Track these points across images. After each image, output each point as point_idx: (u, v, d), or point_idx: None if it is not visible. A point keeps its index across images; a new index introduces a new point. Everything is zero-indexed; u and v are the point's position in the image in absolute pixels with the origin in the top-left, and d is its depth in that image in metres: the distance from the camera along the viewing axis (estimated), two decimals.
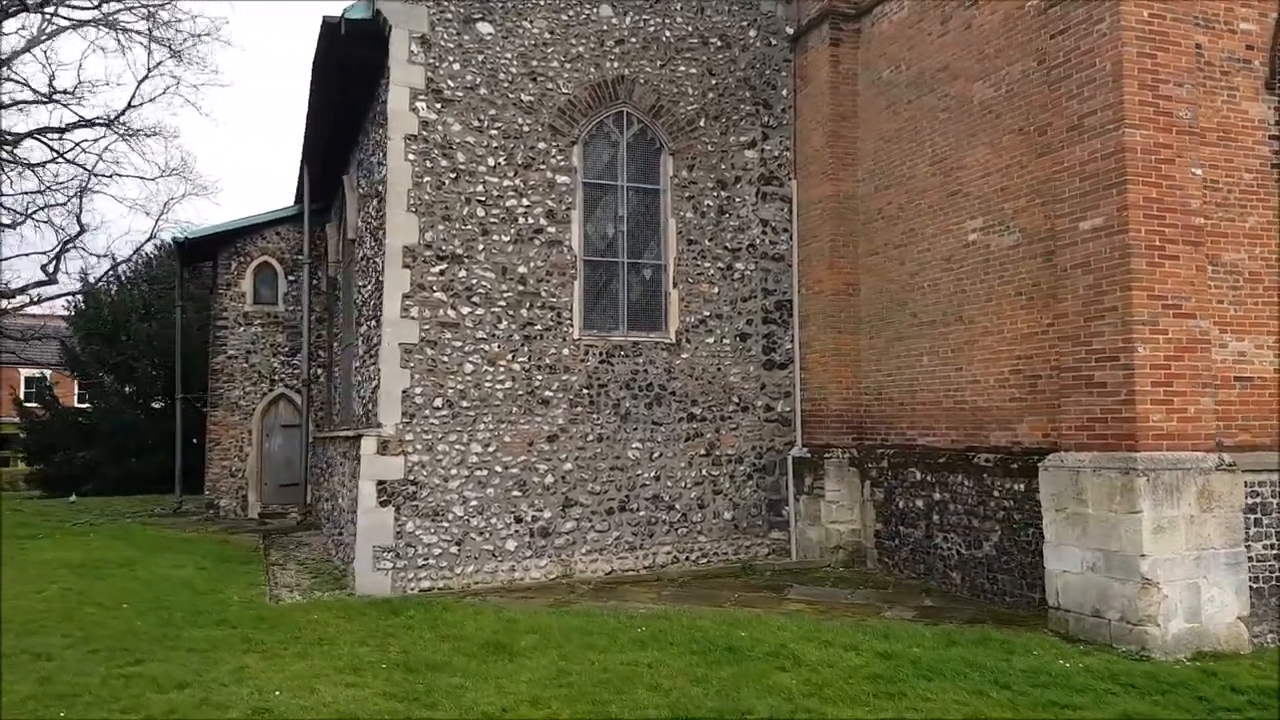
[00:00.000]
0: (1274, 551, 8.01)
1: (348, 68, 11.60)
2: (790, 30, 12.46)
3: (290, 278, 18.86)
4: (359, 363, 12.68)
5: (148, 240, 29.59)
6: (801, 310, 12.08)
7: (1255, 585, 7.69)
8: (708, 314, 11.81)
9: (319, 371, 18.04)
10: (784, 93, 12.41)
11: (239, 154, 54.33)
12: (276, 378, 18.60)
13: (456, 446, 10.48)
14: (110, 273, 28.69)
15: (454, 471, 10.45)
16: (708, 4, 12.10)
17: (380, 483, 10.11)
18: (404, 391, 10.28)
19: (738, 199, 12.07)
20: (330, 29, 10.78)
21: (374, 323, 11.31)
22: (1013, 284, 9.26)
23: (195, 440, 20.75)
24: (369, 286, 11.89)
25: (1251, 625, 7.51)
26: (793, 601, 9.17)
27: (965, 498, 9.61)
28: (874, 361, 11.34)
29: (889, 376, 11.08)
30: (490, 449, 10.63)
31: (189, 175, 39.79)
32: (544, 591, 9.92)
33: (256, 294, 18.74)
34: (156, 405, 26.14)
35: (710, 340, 11.80)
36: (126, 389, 26.19)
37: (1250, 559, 7.65)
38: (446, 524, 10.35)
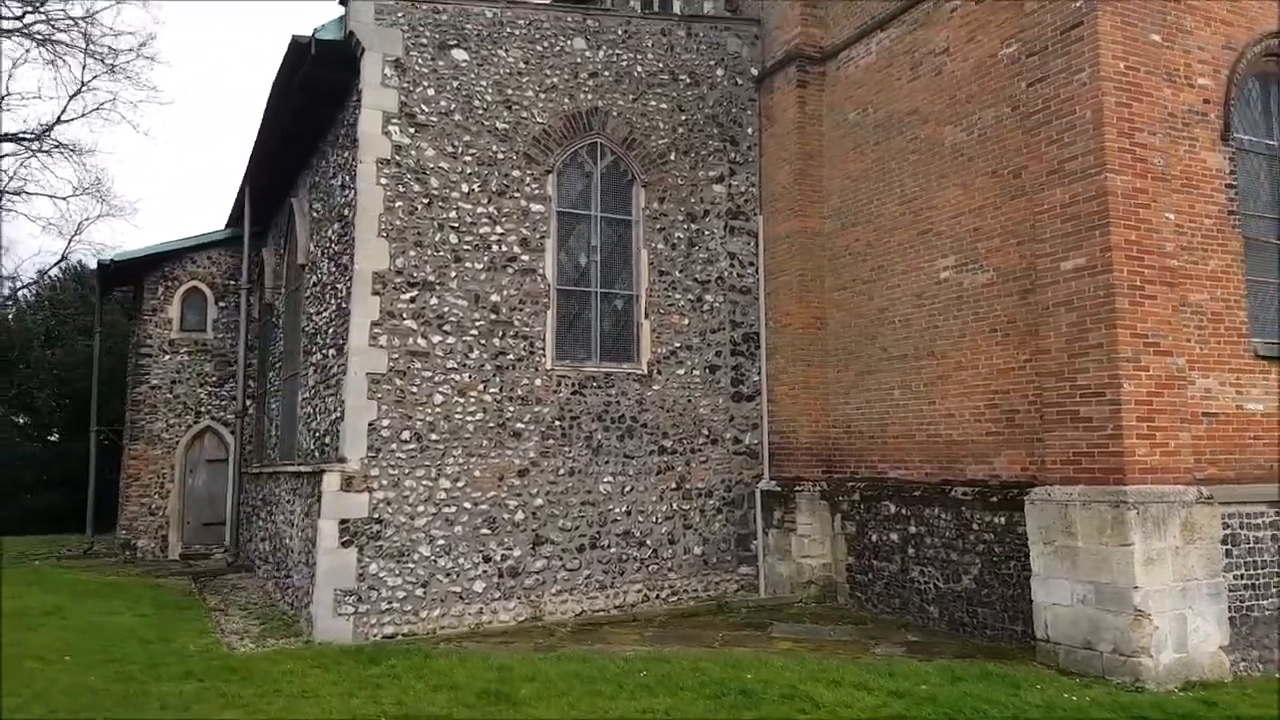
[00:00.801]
0: (1244, 581, 8.33)
1: (311, 89, 11.23)
2: (755, 71, 12.67)
3: (221, 304, 18.04)
4: (308, 394, 12.16)
5: (57, 262, 27.90)
6: (769, 343, 12.16)
7: (1230, 615, 7.97)
8: (678, 345, 11.76)
9: (249, 404, 17.24)
10: (749, 130, 12.57)
11: (164, 175, 52.02)
12: (203, 409, 17.69)
13: (424, 482, 10.10)
14: (10, 297, 26.99)
15: (421, 509, 10.06)
16: (677, 42, 12.20)
17: (343, 522, 9.64)
18: (370, 424, 9.87)
19: (707, 232, 12.12)
20: (299, 49, 10.43)
21: (333, 351, 10.88)
22: (987, 320, 9.50)
23: (108, 475, 19.53)
24: (326, 313, 11.44)
25: (1229, 654, 7.76)
26: (779, 639, 9.07)
27: (943, 531, 9.72)
28: (843, 395, 11.46)
29: (859, 410, 11.21)
30: (459, 484, 10.28)
31: (105, 195, 37.71)
32: (520, 635, 9.58)
33: (184, 320, 17.84)
34: (53, 439, 24.61)
35: (681, 372, 11.75)
36: (21, 420, 24.59)
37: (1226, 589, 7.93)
38: (412, 565, 9.93)
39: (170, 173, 54.17)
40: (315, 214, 12.78)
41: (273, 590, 12.55)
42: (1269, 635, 8.23)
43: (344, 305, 10.46)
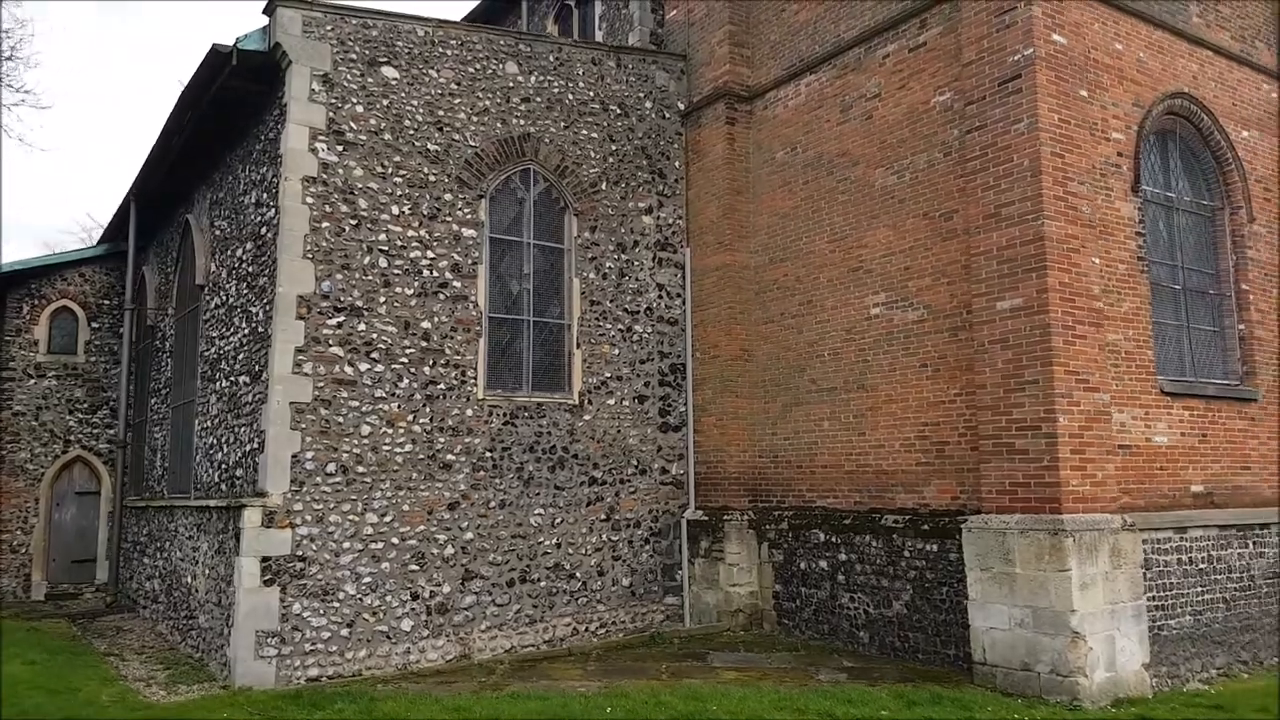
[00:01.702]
0: (1156, 603, 8.89)
1: (225, 101, 10.64)
2: (681, 105, 12.80)
3: (94, 325, 16.77)
4: (209, 423, 11.40)
5: None
6: (697, 374, 12.22)
7: (1149, 634, 8.47)
8: (609, 375, 11.67)
9: (127, 432, 16.02)
10: (676, 164, 12.67)
11: (40, 185, 47.68)
12: (73, 438, 16.35)
13: (350, 517, 9.61)
14: None
15: (347, 545, 9.56)
16: (607, 73, 12.21)
17: (265, 559, 9.06)
18: (294, 456, 9.33)
19: (636, 263, 12.11)
20: (218, 58, 9.85)
21: (245, 378, 10.25)
22: (917, 356, 9.84)
23: None
24: (235, 337, 10.77)
25: (1149, 671, 8.24)
26: (722, 669, 9.05)
27: (874, 558, 9.96)
28: (770, 425, 11.62)
29: (787, 440, 11.39)
30: (387, 519, 9.83)
31: None
32: (456, 675, 9.20)
33: (52, 342, 16.49)
34: None
35: (611, 402, 11.65)
36: None
37: None
38: (337, 604, 9.41)
39: (47, 183, 50.01)
40: (218, 232, 12.05)
41: (168, 633, 11.64)
42: (1177, 652, 8.79)
43: (262, 330, 9.88)
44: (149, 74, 54.58)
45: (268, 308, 9.74)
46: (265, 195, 10.26)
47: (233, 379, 10.73)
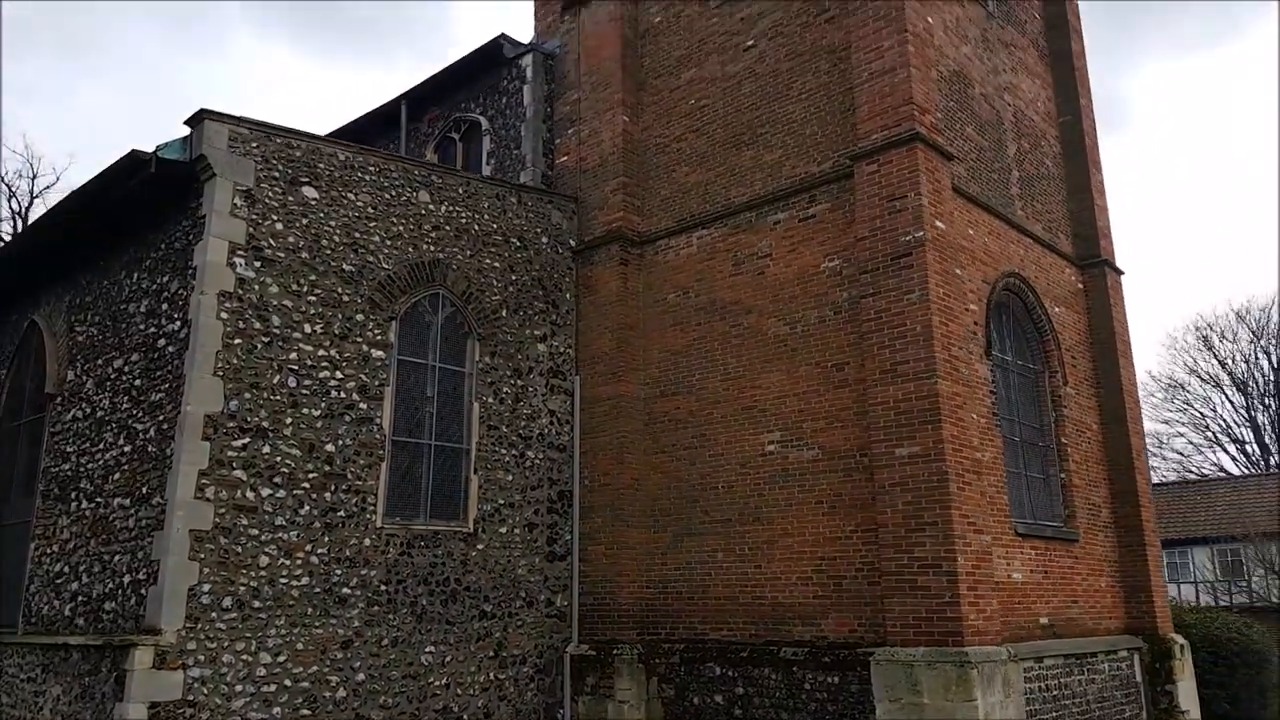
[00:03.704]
0: None
1: (119, 204, 10.08)
2: (573, 242, 13.39)
3: None
4: (57, 548, 10.23)
5: None
6: (585, 502, 12.38)
7: None
8: (502, 502, 11.62)
9: None
10: (568, 295, 13.14)
11: None
12: None
13: (244, 656, 8.90)
14: None
15: (239, 688, 8.81)
16: (509, 207, 12.64)
17: (153, 705, 8.20)
18: (190, 589, 8.61)
19: (530, 389, 12.30)
20: (134, 164, 9.39)
21: (122, 500, 9.41)
22: (813, 494, 10.61)
23: None
24: (109, 454, 9.87)
25: None
26: None
27: (773, 691, 10.35)
28: (661, 555, 11.91)
29: (678, 571, 11.70)
30: (281, 658, 9.17)
31: None
32: None
33: None
34: None
35: (503, 530, 11.56)
36: None
37: None
38: None
39: None
40: (81, 338, 11.11)
41: None
42: None
43: (154, 449, 9.18)
44: None
45: (164, 426, 9.09)
46: (166, 306, 9.70)
47: (100, 500, 9.76)
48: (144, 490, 9.14)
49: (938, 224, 10.10)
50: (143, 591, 8.64)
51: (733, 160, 12.28)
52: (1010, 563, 10.58)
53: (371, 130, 17.29)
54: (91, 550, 9.63)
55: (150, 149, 9.37)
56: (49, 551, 10.37)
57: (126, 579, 8.97)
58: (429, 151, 16.28)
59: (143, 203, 10.01)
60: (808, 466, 10.69)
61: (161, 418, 9.19)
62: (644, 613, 11.88)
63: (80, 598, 9.64)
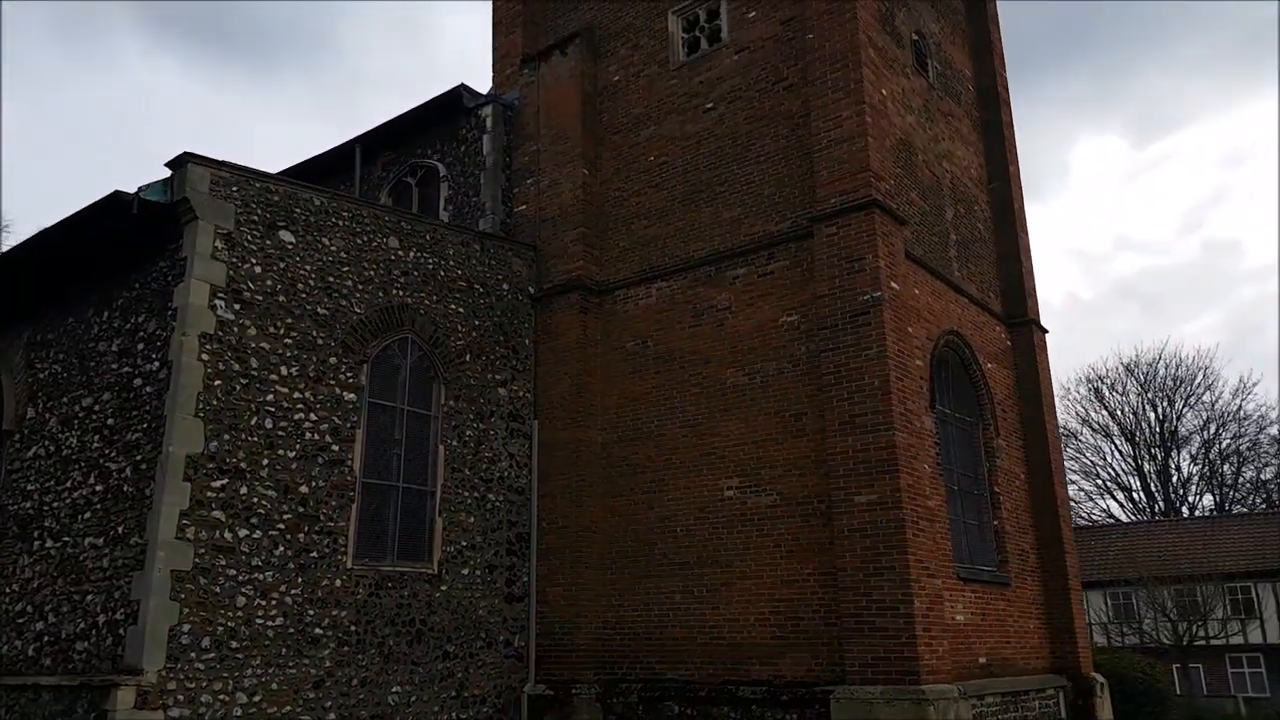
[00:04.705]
0: None
1: (105, 244, 10.08)
2: (532, 290, 13.72)
3: None
4: (19, 587, 10.01)
5: None
6: (543, 544, 12.61)
7: None
8: (464, 544, 11.79)
9: None
10: (527, 341, 13.45)
11: None
12: None
13: (221, 696, 8.89)
14: None
15: None
16: (473, 254, 12.96)
17: None
18: (171, 629, 8.59)
19: (492, 432, 12.54)
20: (117, 205, 9.44)
21: (95, 540, 9.35)
22: (771, 537, 11.11)
23: None
24: (78, 493, 9.77)
25: None
26: None
27: None
28: (619, 597, 12.20)
29: (636, 612, 12.02)
30: (256, 698, 9.18)
31: None
32: None
33: None
34: None
35: (465, 571, 11.73)
36: None
37: None
38: None
39: None
40: (42, 375, 10.95)
41: None
42: None
43: (130, 489, 9.16)
44: None
45: (143, 466, 9.09)
46: (142, 346, 9.71)
47: (68, 540, 9.63)
48: (120, 530, 9.08)
49: (893, 285, 10.83)
50: (121, 631, 8.58)
51: (692, 216, 12.86)
52: (954, 605, 11.23)
53: (317, 172, 17.36)
54: (59, 590, 9.47)
55: (132, 190, 9.43)
56: (8, 591, 10.13)
57: (101, 619, 8.87)
58: (384, 195, 16.47)
59: (117, 243, 10.02)
60: (766, 511, 11.19)
61: (139, 457, 9.17)
62: (601, 653, 12.15)
63: (47, 638, 9.44)
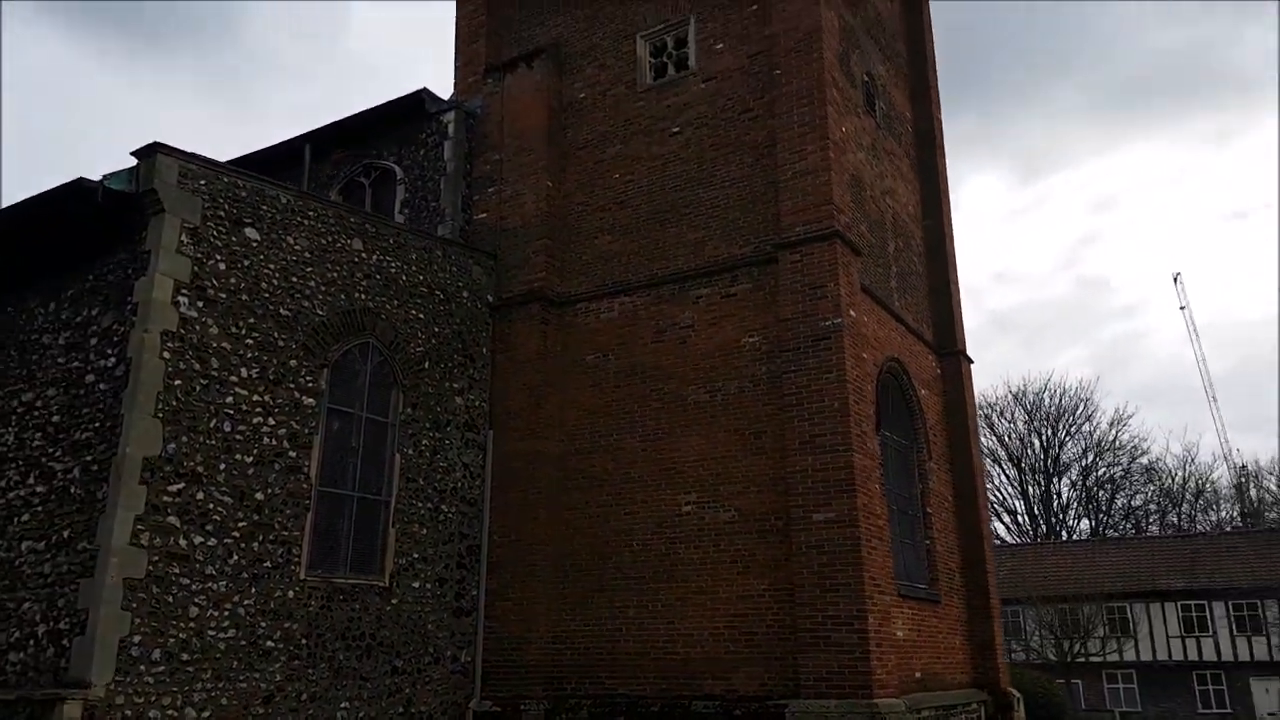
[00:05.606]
0: None
1: (49, 231, 9.57)
2: (491, 298, 13.66)
3: None
4: None
5: None
6: (494, 557, 12.49)
7: None
8: (416, 557, 11.59)
9: None
10: (485, 351, 13.35)
11: None
12: None
13: (170, 712, 8.52)
14: None
15: None
16: (435, 260, 12.82)
17: None
18: (122, 641, 8.18)
19: (448, 441, 12.38)
20: (80, 192, 8.99)
21: (37, 544, 8.85)
22: (728, 553, 11.30)
23: None
24: (10, 494, 9.19)
25: None
26: None
27: None
28: (570, 612, 12.17)
29: (588, 627, 12.01)
30: (205, 714, 8.82)
31: None
32: None
33: None
34: None
35: (416, 585, 11.52)
36: None
37: None
38: None
39: None
40: None
41: None
42: None
43: (77, 491, 8.71)
44: None
45: (94, 467, 8.65)
46: (96, 340, 9.26)
47: (2, 543, 9.04)
48: (65, 534, 8.60)
49: (851, 312, 11.24)
50: (65, 642, 8.11)
51: (656, 235, 13.04)
52: (895, 621, 11.64)
53: (260, 163, 16.85)
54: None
55: (96, 177, 9.01)
56: None
57: (41, 629, 8.37)
58: (334, 193, 16.08)
59: (70, 232, 9.55)
60: (724, 527, 11.39)
61: (90, 458, 8.72)
62: (551, 669, 12.09)
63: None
